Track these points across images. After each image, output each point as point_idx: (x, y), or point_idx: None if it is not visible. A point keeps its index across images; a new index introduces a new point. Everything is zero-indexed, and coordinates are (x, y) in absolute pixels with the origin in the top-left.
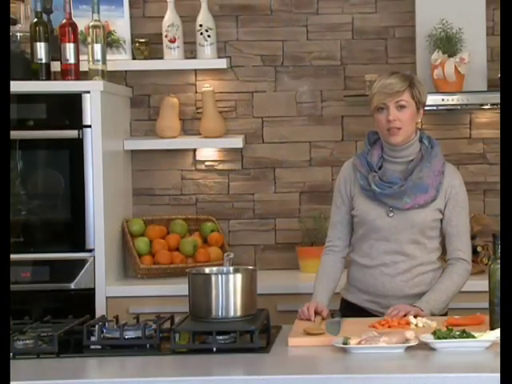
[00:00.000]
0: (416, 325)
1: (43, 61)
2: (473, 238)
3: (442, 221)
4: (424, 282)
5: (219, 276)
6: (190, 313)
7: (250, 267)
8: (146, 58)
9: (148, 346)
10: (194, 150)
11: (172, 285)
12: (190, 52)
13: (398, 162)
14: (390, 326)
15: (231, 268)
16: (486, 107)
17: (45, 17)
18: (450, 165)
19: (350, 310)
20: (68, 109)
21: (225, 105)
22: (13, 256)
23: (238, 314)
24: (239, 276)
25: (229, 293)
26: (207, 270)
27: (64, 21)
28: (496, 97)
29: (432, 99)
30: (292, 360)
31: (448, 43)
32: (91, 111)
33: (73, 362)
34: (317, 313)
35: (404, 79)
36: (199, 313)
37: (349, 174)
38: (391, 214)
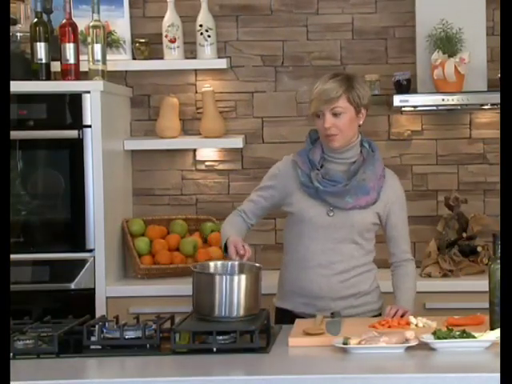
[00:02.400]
0: (416, 325)
1: (43, 61)
2: (473, 238)
3: (382, 225)
4: (360, 281)
5: (223, 276)
6: (192, 310)
7: (256, 264)
8: (146, 58)
9: (148, 346)
10: (194, 150)
11: (172, 285)
12: (190, 52)
13: (340, 163)
14: (390, 326)
15: (236, 264)
16: (486, 107)
17: (45, 17)
18: (389, 169)
19: (284, 317)
20: (68, 109)
21: (225, 105)
22: (13, 256)
23: (241, 313)
24: (244, 277)
25: (233, 292)
26: (212, 266)
27: (64, 21)
28: (496, 97)
29: (432, 99)
30: (292, 360)
31: (448, 43)
32: (91, 111)
33: (73, 362)
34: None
35: (341, 84)
36: (202, 310)
37: (289, 170)
38: (331, 214)
